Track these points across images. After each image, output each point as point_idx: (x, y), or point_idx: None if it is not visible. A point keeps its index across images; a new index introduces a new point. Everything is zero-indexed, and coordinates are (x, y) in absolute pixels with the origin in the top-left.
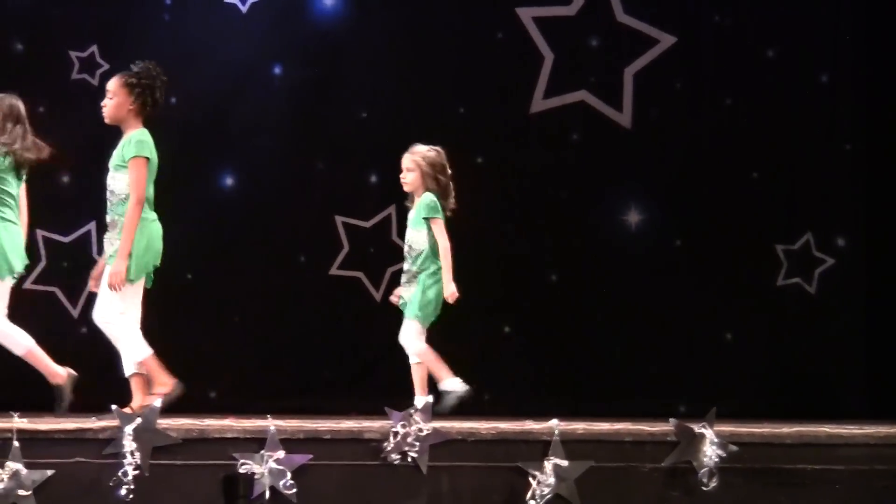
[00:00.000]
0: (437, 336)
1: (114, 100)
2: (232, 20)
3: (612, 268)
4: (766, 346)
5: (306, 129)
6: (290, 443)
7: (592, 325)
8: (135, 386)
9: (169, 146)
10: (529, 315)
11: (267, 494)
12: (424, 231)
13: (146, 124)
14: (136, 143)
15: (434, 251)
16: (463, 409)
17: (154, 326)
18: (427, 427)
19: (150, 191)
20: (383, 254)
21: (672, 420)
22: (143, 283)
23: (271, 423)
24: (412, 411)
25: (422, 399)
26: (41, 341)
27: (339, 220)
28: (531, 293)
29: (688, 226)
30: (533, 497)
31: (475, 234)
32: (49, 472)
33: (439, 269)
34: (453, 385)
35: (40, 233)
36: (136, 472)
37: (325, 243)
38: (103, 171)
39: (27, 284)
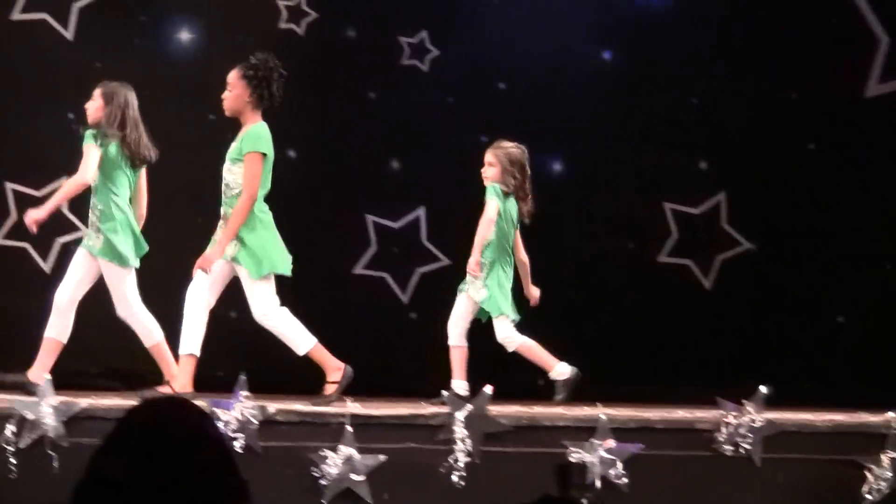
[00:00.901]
0: (767, 326)
1: (232, 92)
2: (561, 6)
3: None
4: None
5: (635, 115)
6: (621, 432)
7: None
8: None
9: (496, 131)
10: (864, 305)
11: (597, 483)
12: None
13: (265, 117)
14: (254, 138)
15: (498, 242)
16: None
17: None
18: (760, 418)
19: (266, 186)
20: (713, 241)
21: None
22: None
23: (601, 412)
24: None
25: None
26: (371, 326)
27: (667, 206)
28: (865, 282)
29: None
30: (869, 492)
31: (805, 222)
32: (382, 458)
33: (508, 262)
34: (563, 370)
35: (370, 218)
36: (468, 458)
37: (653, 230)
38: (429, 156)
39: (357, 269)
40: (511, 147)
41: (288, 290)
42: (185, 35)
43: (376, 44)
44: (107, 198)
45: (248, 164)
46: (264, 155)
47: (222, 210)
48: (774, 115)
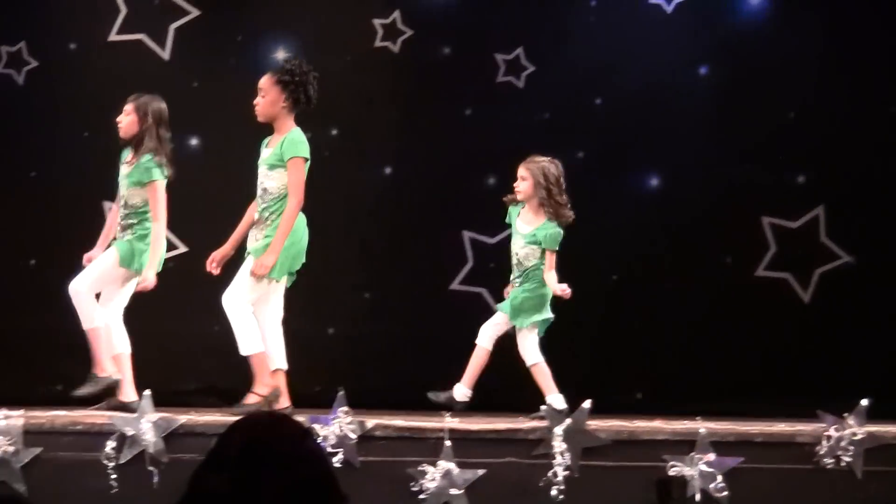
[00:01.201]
0: (867, 338)
1: (266, 97)
2: (657, 21)
3: None
4: None
5: (732, 130)
6: (721, 445)
7: None
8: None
9: (593, 146)
10: None
11: (697, 497)
12: (538, 252)
13: (297, 122)
14: (296, 144)
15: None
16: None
17: (577, 327)
18: (862, 431)
19: None
20: (812, 254)
21: None
22: (284, 282)
23: (701, 426)
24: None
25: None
26: (468, 342)
27: (765, 220)
28: None
29: None
30: None
31: None
32: (480, 472)
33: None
34: (557, 401)
35: (467, 234)
36: (566, 472)
37: (752, 244)
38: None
39: (454, 285)
40: (545, 161)
41: (384, 306)
42: (280, 54)
43: (472, 61)
44: (145, 215)
45: (292, 169)
46: (306, 159)
47: (257, 214)
48: (873, 129)
